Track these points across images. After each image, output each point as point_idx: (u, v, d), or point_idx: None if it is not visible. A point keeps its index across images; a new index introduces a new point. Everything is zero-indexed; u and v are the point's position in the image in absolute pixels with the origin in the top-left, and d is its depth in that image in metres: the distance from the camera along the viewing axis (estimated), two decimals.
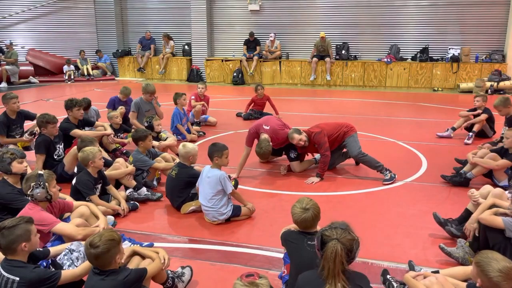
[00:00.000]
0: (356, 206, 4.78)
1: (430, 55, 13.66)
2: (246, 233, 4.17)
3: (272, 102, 9.22)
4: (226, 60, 15.08)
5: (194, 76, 15.28)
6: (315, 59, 13.97)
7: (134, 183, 4.93)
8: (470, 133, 6.99)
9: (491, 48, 13.43)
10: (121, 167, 4.97)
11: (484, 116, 7.15)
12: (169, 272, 3.14)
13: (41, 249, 3.10)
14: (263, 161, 6.24)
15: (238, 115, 9.41)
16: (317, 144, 5.59)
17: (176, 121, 7.45)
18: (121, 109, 7.34)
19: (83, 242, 3.08)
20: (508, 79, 12.54)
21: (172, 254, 3.55)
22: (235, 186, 4.89)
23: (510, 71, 12.88)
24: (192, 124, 7.96)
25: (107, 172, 4.78)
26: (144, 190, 4.90)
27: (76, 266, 2.96)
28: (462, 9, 13.43)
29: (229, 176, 4.50)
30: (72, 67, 15.11)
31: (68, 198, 4.11)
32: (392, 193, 5.12)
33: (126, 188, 4.92)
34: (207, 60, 15.31)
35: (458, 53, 13.29)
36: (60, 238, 3.52)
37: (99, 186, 4.52)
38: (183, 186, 4.60)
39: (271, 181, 5.60)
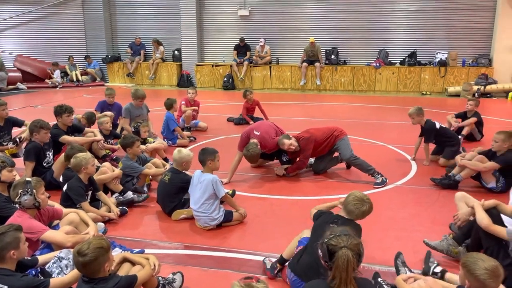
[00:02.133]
0: None
1: (418, 60, 13.83)
2: (238, 238, 4.16)
3: (261, 107, 9.22)
4: (216, 65, 15.09)
5: (185, 81, 15.25)
6: (305, 64, 14.05)
7: (120, 187, 4.92)
8: (459, 136, 7.06)
9: (478, 52, 13.62)
10: (108, 171, 4.97)
11: (473, 120, 7.24)
12: (160, 278, 3.13)
13: (29, 257, 3.06)
14: (255, 166, 6.24)
15: (230, 119, 9.41)
16: (301, 149, 5.63)
17: (172, 125, 7.41)
18: (106, 114, 7.25)
19: (72, 250, 3.05)
20: (494, 82, 12.74)
21: (163, 260, 3.53)
22: (232, 195, 4.91)
23: (496, 74, 13.07)
24: (182, 129, 7.93)
25: (95, 177, 4.74)
26: (130, 193, 4.88)
27: (66, 274, 2.93)
28: (449, 14, 13.62)
29: (221, 182, 4.50)
30: (57, 73, 14.92)
31: (57, 206, 4.06)
32: (382, 197, 5.15)
33: (112, 192, 4.90)
34: (198, 65, 15.31)
35: (446, 58, 13.46)
36: (49, 246, 3.48)
37: (90, 192, 4.49)
38: (175, 191, 4.58)
39: (263, 185, 5.60)
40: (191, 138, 7.76)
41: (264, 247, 3.76)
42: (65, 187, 4.37)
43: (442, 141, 6.31)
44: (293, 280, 3.15)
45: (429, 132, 6.21)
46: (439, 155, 6.36)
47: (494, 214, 3.36)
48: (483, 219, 3.26)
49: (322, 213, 3.35)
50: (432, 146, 6.45)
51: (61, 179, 4.92)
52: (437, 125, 6.24)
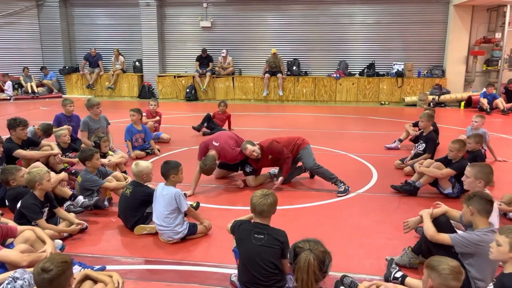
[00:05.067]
0: (311, 218, 4.84)
1: (376, 71, 14.29)
2: (203, 251, 4.10)
3: (230, 120, 9.41)
4: (178, 76, 14.98)
5: (146, 92, 15.04)
6: (267, 75, 14.19)
7: (69, 191, 4.79)
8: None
9: (432, 63, 14.26)
10: (53, 176, 4.81)
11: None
12: None
13: None
14: (219, 177, 6.19)
15: (195, 128, 9.32)
16: (276, 152, 5.61)
17: (126, 137, 7.27)
18: (68, 128, 7.04)
19: (28, 269, 2.91)
20: (448, 92, 13.34)
21: (126, 277, 3.42)
22: (196, 207, 4.82)
23: (449, 85, 13.71)
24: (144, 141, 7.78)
25: None
26: (80, 198, 4.74)
27: None
28: (405, 27, 14.21)
29: (185, 194, 4.43)
30: (8, 85, 14.26)
31: (11, 223, 3.87)
32: (346, 205, 5.23)
33: (63, 201, 4.73)
34: (159, 76, 15.14)
35: (402, 69, 14.00)
36: (3, 266, 3.30)
37: (46, 209, 4.29)
38: (137, 205, 4.46)
39: (227, 196, 5.56)
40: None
41: (230, 259, 3.71)
42: (18, 204, 4.15)
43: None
44: None
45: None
46: (403, 163, 6.54)
47: (442, 221, 3.47)
48: (428, 230, 3.34)
49: (241, 222, 3.29)
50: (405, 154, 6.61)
51: (6, 203, 4.68)
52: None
